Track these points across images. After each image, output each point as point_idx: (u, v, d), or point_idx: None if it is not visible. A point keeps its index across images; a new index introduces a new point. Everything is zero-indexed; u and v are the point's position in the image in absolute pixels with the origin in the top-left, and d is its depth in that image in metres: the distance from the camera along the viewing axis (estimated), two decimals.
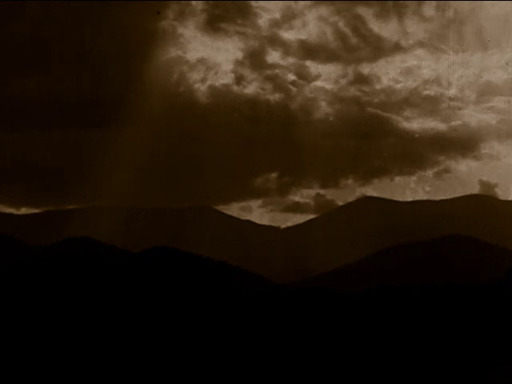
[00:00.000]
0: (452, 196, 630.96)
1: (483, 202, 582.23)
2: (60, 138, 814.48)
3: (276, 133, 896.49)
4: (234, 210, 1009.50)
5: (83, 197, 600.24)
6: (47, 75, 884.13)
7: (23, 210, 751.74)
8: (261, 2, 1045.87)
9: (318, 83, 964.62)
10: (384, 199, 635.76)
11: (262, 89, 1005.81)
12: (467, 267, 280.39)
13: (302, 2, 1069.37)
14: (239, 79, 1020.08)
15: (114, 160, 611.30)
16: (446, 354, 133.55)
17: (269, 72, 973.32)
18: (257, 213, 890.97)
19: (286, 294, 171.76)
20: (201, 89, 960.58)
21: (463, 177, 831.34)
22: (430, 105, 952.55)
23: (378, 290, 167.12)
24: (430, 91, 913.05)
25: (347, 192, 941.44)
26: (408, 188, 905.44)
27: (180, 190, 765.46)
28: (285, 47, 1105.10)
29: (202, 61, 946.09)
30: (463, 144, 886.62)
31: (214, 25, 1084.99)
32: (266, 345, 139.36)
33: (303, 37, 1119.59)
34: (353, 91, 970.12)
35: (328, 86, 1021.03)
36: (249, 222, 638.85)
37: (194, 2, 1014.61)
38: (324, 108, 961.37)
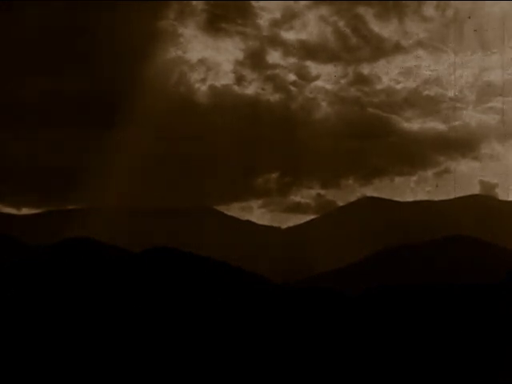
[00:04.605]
0: (452, 196, 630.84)
1: (483, 202, 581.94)
2: (60, 138, 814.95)
3: (276, 133, 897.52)
4: (234, 210, 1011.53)
5: (83, 197, 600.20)
6: (47, 75, 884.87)
7: (23, 210, 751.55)
8: (261, 2, 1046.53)
9: (319, 83, 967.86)
10: (384, 199, 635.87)
11: (263, 89, 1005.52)
12: (467, 267, 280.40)
13: (302, 2, 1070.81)
14: (239, 79, 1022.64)
15: (114, 160, 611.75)
16: (446, 355, 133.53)
17: (269, 72, 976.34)
18: (257, 213, 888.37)
19: (286, 294, 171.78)
20: (201, 89, 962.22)
21: (463, 177, 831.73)
22: (430, 105, 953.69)
23: (377, 290, 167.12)
24: (430, 91, 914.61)
25: (348, 192, 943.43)
26: (408, 188, 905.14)
27: (180, 189, 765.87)
28: (285, 47, 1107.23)
29: (202, 61, 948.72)
30: (463, 144, 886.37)
31: (214, 25, 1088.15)
32: (266, 345, 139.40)
33: (303, 37, 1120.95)
34: (353, 91, 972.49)
35: (328, 86, 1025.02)
36: (249, 222, 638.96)
37: (194, 2, 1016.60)
38: (324, 108, 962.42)
